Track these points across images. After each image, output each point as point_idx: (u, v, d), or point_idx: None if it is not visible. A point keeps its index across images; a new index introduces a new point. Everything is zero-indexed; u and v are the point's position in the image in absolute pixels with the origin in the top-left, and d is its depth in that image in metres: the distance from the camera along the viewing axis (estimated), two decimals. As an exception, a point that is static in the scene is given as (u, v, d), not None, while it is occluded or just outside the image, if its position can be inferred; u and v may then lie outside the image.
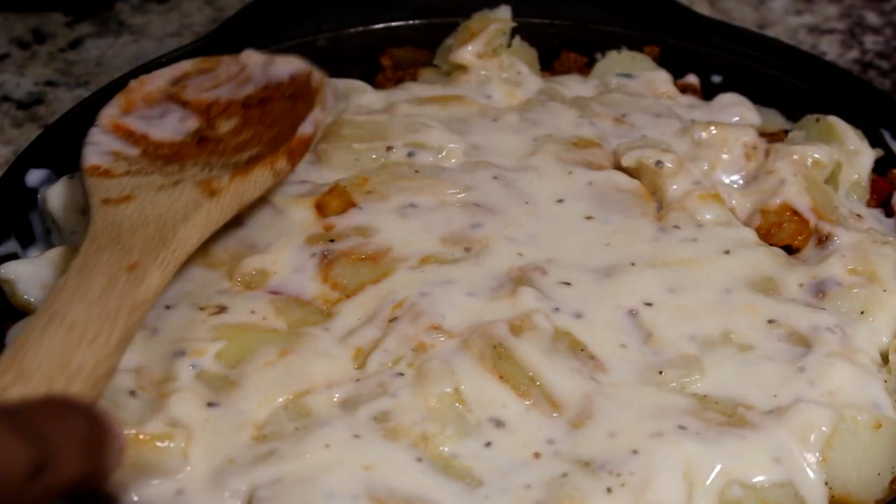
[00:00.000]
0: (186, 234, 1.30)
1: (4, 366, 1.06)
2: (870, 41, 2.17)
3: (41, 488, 0.80)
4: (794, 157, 1.54)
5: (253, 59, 1.58)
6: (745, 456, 1.21)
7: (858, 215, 1.54)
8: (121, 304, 1.17)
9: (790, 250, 1.48)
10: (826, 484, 1.22)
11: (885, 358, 1.34)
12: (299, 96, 1.52)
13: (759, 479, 1.20)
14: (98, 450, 0.86)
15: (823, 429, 1.23)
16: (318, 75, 1.56)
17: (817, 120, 1.64)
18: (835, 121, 1.62)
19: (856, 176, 1.58)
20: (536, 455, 1.22)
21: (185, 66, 1.60)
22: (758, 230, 1.49)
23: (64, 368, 1.07)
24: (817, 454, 1.23)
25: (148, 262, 1.24)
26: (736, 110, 1.68)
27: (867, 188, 1.59)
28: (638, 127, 1.63)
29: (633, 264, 1.42)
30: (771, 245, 1.47)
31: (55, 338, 1.10)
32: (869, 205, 1.58)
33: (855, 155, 1.59)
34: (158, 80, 1.57)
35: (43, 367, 1.07)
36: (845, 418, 1.25)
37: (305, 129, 1.47)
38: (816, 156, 1.54)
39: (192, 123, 1.49)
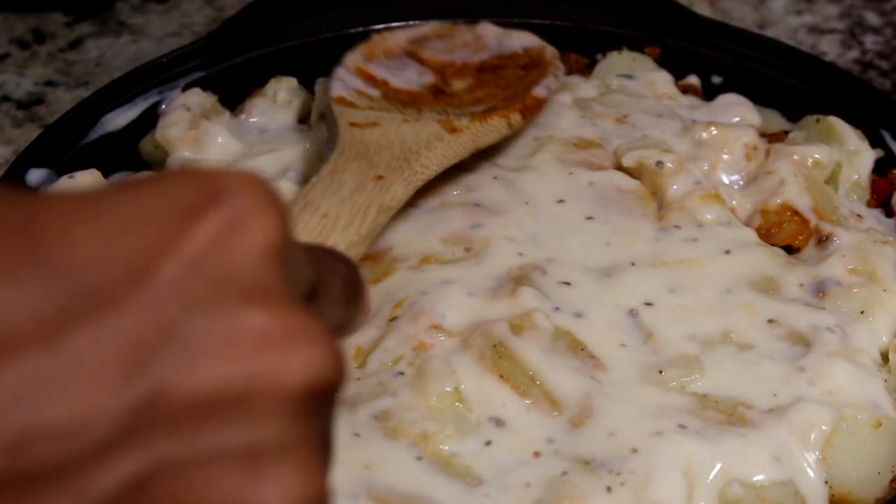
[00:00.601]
0: (428, 159, 1.37)
1: None
2: (870, 41, 2.17)
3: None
4: (795, 157, 1.54)
5: (489, 30, 1.65)
6: (746, 455, 1.21)
7: (859, 215, 1.54)
8: (370, 203, 1.26)
9: (790, 250, 1.49)
10: (826, 483, 1.22)
11: (885, 357, 1.34)
12: (532, 66, 1.59)
13: (759, 477, 1.20)
14: (355, 294, 0.86)
15: (823, 428, 1.23)
16: (551, 49, 1.62)
17: (817, 120, 1.63)
18: (835, 121, 1.62)
19: (856, 176, 1.58)
20: (536, 454, 1.22)
21: (424, 29, 1.67)
22: (758, 230, 1.49)
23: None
24: (817, 453, 1.23)
25: (393, 177, 1.31)
26: (736, 110, 1.68)
27: (867, 188, 1.59)
28: (639, 127, 1.63)
29: (633, 264, 1.42)
30: (771, 245, 1.47)
31: (311, 221, 1.20)
32: (869, 205, 1.58)
33: (855, 155, 1.59)
34: (399, 38, 1.65)
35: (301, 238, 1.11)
36: (845, 417, 1.25)
37: (540, 90, 1.53)
38: (817, 156, 1.54)
39: (429, 78, 1.56)
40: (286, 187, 1.50)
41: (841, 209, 1.53)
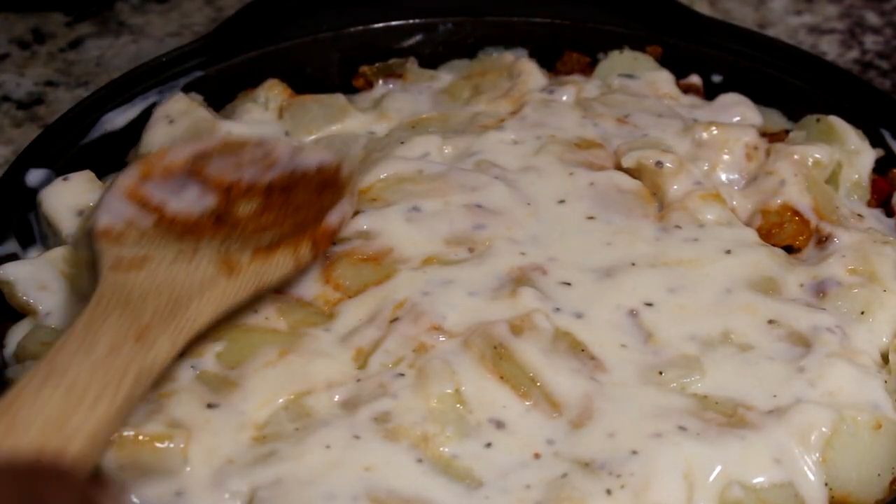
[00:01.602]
0: (200, 308, 1.25)
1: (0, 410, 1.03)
2: (870, 41, 2.16)
3: None
4: (795, 157, 1.53)
5: (280, 147, 1.53)
6: (746, 456, 1.21)
7: (859, 215, 1.54)
8: (128, 366, 1.12)
9: (791, 250, 1.48)
10: (826, 484, 1.22)
11: (885, 358, 1.34)
12: (326, 187, 1.47)
13: (759, 479, 1.20)
14: None
15: (823, 429, 1.23)
16: (347, 168, 1.50)
17: (818, 120, 1.63)
18: (835, 121, 1.62)
19: (856, 176, 1.58)
20: (536, 455, 1.22)
21: (210, 142, 1.54)
22: (759, 230, 1.49)
23: (60, 429, 1.03)
24: (817, 454, 1.23)
25: (158, 330, 1.19)
26: (737, 110, 1.68)
27: (868, 188, 1.59)
28: (640, 127, 1.63)
29: (633, 264, 1.42)
30: (772, 245, 1.47)
31: (53, 396, 1.06)
32: (869, 205, 1.58)
33: (855, 155, 1.59)
34: (181, 154, 1.50)
35: (38, 423, 1.03)
36: (845, 419, 1.25)
37: (332, 219, 1.41)
38: (817, 156, 1.54)
39: (211, 202, 1.43)
40: None
41: (841, 209, 1.53)
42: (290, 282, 1.38)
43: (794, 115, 1.70)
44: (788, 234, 1.50)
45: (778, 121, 1.71)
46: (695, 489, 1.19)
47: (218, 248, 1.34)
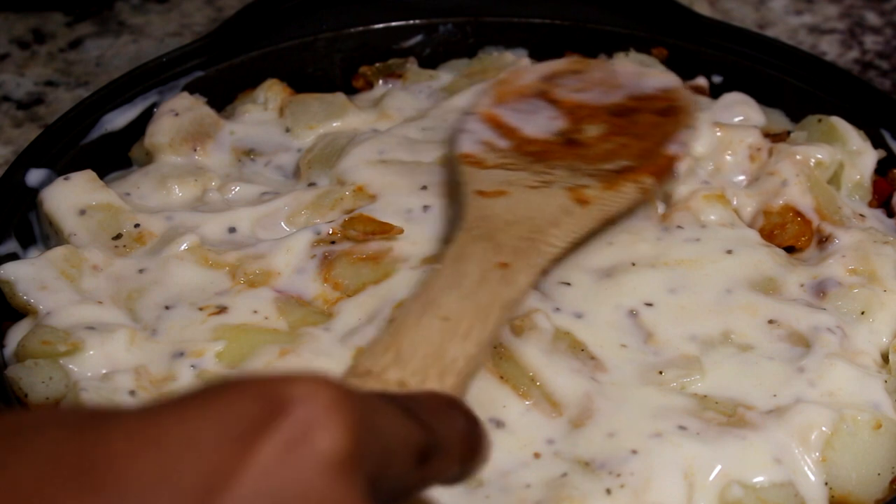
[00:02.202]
0: (555, 238, 1.30)
1: (383, 345, 1.07)
2: (870, 41, 2.16)
3: (421, 477, 0.79)
4: (797, 157, 1.53)
5: (624, 67, 1.57)
6: (746, 456, 1.21)
7: (861, 215, 1.54)
8: (492, 301, 1.16)
9: (793, 250, 1.48)
10: (826, 484, 1.22)
11: (885, 358, 1.34)
12: (669, 112, 1.50)
13: (759, 479, 1.20)
14: (475, 451, 0.85)
15: (823, 429, 1.23)
16: (688, 94, 1.53)
17: (819, 120, 1.63)
18: (837, 121, 1.62)
19: (858, 176, 1.58)
20: (536, 455, 1.22)
21: (557, 65, 1.60)
22: (761, 231, 1.49)
23: (439, 359, 1.07)
24: (817, 454, 1.23)
25: (519, 264, 1.23)
26: (740, 110, 1.67)
27: (869, 188, 1.58)
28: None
29: (633, 264, 1.41)
30: (775, 246, 1.47)
31: (431, 326, 1.11)
32: (870, 205, 1.58)
33: (857, 155, 1.59)
34: (531, 75, 1.58)
35: (419, 353, 1.07)
36: (845, 418, 1.25)
37: (675, 148, 1.44)
38: (819, 156, 1.54)
39: (561, 123, 1.48)
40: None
41: (843, 209, 1.53)
42: (627, 215, 1.44)
43: (794, 114, 1.69)
44: (791, 234, 1.50)
45: (780, 120, 1.70)
46: (694, 488, 1.19)
47: (569, 174, 1.39)
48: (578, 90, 1.54)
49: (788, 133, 1.65)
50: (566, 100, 1.52)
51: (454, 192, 1.45)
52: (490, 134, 1.46)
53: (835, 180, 1.57)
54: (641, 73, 1.56)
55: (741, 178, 1.57)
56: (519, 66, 1.63)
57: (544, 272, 1.29)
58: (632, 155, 1.42)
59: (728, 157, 1.57)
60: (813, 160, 1.54)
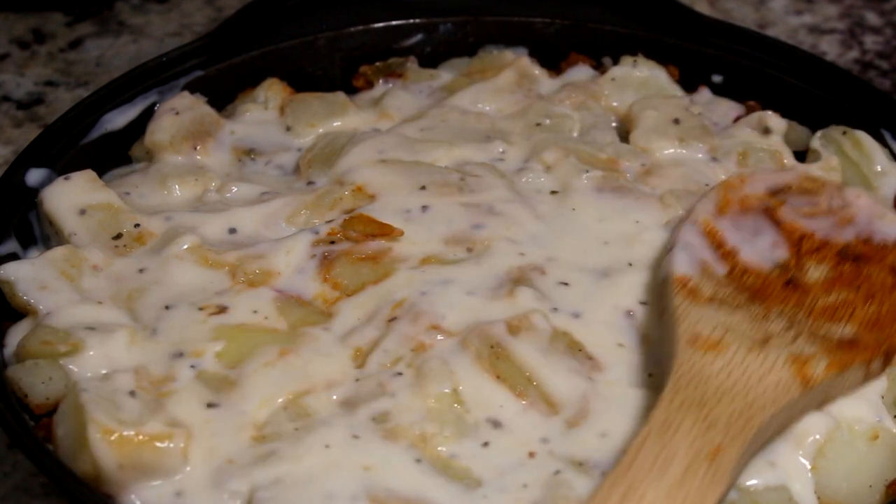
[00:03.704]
0: (769, 421, 1.17)
1: None
2: (870, 41, 2.17)
3: None
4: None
5: (860, 200, 1.42)
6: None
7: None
8: (700, 497, 1.08)
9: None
10: (815, 493, 1.21)
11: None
12: None
13: (753, 482, 1.20)
14: None
15: (817, 436, 1.23)
16: None
17: (844, 132, 1.61)
18: (863, 137, 1.60)
19: (881, 199, 1.54)
20: (531, 454, 1.22)
21: (788, 177, 1.46)
22: None
23: None
24: (811, 460, 1.22)
25: (731, 449, 1.12)
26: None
27: (892, 209, 1.55)
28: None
29: (630, 265, 1.41)
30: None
31: None
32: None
33: (882, 176, 1.57)
34: (759, 185, 1.44)
35: None
36: (842, 427, 1.24)
37: None
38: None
39: (782, 254, 1.36)
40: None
41: None
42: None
43: (794, 115, 1.69)
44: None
45: (801, 134, 1.67)
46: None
47: (789, 329, 1.26)
48: (807, 215, 1.40)
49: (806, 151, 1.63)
50: (792, 224, 1.39)
51: (657, 313, 1.34)
52: (708, 253, 1.34)
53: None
54: (880, 213, 1.40)
55: None
56: (747, 172, 1.48)
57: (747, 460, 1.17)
58: (859, 321, 1.28)
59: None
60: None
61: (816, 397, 1.22)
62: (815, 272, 1.34)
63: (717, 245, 1.36)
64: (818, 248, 1.37)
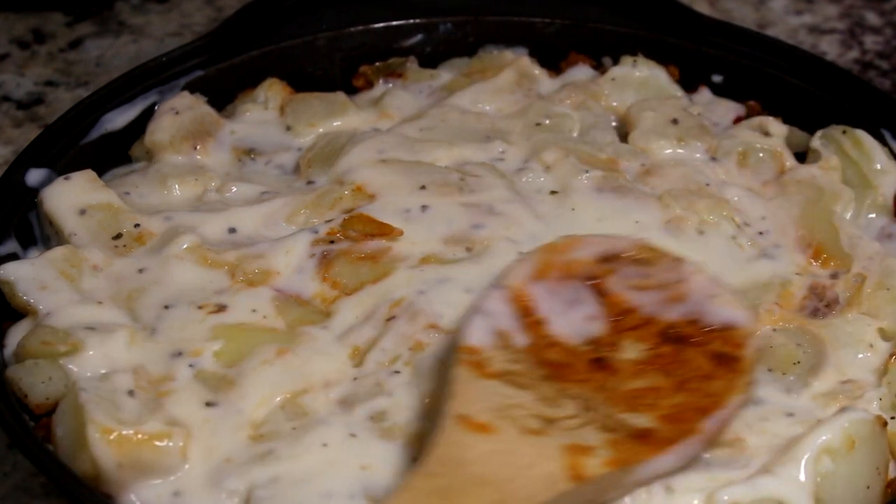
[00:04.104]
0: None
1: None
2: (870, 41, 2.17)
3: None
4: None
5: (697, 277, 1.32)
6: (731, 479, 1.21)
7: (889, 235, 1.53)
8: None
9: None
10: None
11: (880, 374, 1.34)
12: (724, 363, 1.23)
13: (746, 495, 1.19)
14: None
15: (808, 454, 1.22)
16: (755, 344, 1.26)
17: (844, 132, 1.61)
18: (863, 136, 1.60)
19: (881, 198, 1.56)
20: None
21: (622, 245, 1.36)
22: None
23: None
24: (808, 477, 1.21)
25: None
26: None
27: (892, 208, 1.56)
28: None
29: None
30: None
31: None
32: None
33: (882, 175, 1.57)
34: (589, 251, 1.34)
35: None
36: (819, 455, 1.22)
37: (710, 425, 1.18)
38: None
39: (598, 328, 1.26)
40: None
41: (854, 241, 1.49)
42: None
43: (794, 115, 1.69)
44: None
45: (801, 136, 1.67)
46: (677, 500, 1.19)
47: (578, 415, 1.17)
48: (636, 287, 1.31)
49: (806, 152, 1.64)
50: (617, 297, 1.30)
51: (441, 377, 1.26)
52: (510, 322, 1.25)
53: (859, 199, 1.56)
54: (714, 294, 1.30)
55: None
56: (577, 237, 1.37)
57: None
58: (660, 412, 1.18)
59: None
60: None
61: (599, 490, 1.14)
62: (630, 352, 1.24)
63: (525, 313, 1.27)
64: (639, 326, 1.27)
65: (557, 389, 1.19)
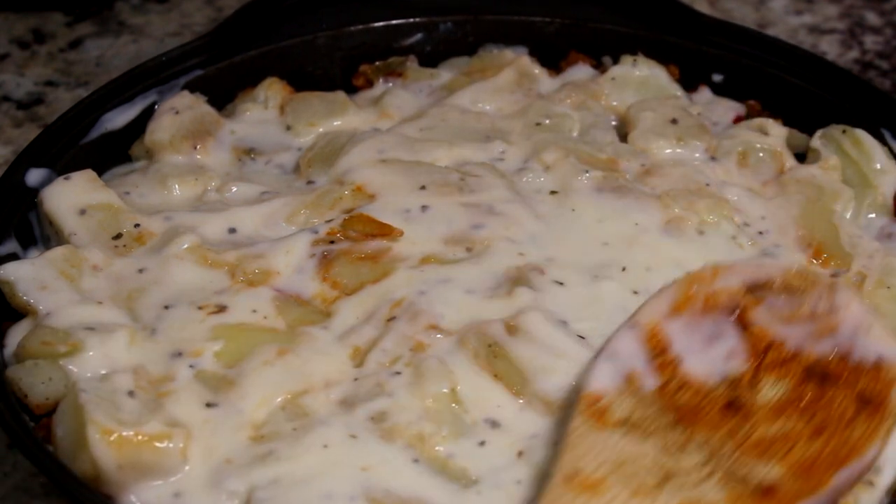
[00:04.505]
0: None
1: None
2: (870, 41, 2.17)
3: None
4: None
5: (850, 308, 1.24)
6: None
7: (889, 235, 1.52)
8: None
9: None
10: None
11: None
12: (871, 402, 1.15)
13: None
14: None
15: None
16: None
17: (843, 131, 1.61)
18: (863, 135, 1.60)
19: (881, 198, 1.56)
20: (520, 454, 1.22)
21: (772, 272, 1.28)
22: None
23: None
24: None
25: None
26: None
27: (892, 208, 1.56)
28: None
29: (624, 269, 1.42)
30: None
31: None
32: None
33: (882, 174, 1.57)
34: (735, 279, 1.27)
35: None
36: None
37: (842, 478, 1.10)
38: None
39: (738, 366, 1.20)
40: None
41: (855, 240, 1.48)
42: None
43: (794, 115, 1.69)
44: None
45: (800, 138, 1.67)
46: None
47: (699, 466, 1.10)
48: (783, 320, 1.23)
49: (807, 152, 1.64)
50: (761, 330, 1.23)
51: (560, 429, 1.20)
52: (641, 362, 1.19)
53: (858, 201, 1.55)
54: (867, 326, 1.22)
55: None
56: (724, 265, 1.30)
57: None
58: (791, 462, 1.11)
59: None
60: None
61: None
62: (770, 391, 1.18)
63: (659, 352, 1.21)
64: (784, 362, 1.21)
65: (685, 436, 1.13)
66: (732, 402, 1.17)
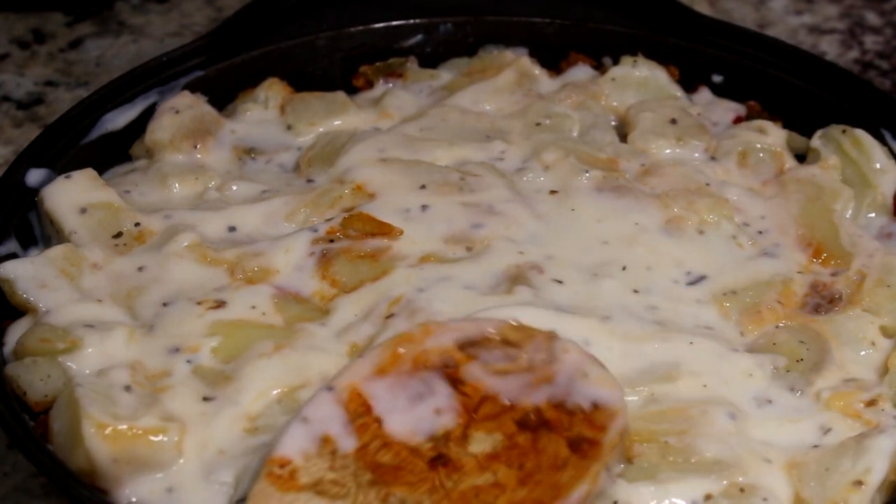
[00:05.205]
0: None
1: None
2: (870, 41, 2.17)
3: None
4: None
5: (568, 355, 1.25)
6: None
7: (888, 234, 1.53)
8: None
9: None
10: None
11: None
12: (581, 447, 1.17)
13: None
14: None
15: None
16: (619, 427, 1.19)
17: (843, 131, 1.61)
18: (862, 135, 1.60)
19: (881, 197, 1.56)
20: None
21: (487, 328, 1.28)
22: None
23: None
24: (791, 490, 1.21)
25: None
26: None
27: (891, 207, 1.56)
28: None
29: (624, 268, 1.42)
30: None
31: None
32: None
33: (881, 174, 1.57)
34: (447, 337, 1.26)
35: None
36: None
37: None
38: None
39: (446, 422, 1.19)
40: None
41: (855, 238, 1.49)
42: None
43: (794, 115, 1.69)
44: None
45: (800, 140, 1.66)
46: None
47: None
48: (497, 372, 1.23)
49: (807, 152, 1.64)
50: (474, 385, 1.22)
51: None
52: (338, 426, 1.17)
53: (858, 201, 1.55)
54: (584, 373, 1.23)
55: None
56: (438, 322, 1.30)
57: None
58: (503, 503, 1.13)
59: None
60: None
61: None
62: (481, 444, 1.17)
63: (359, 413, 1.19)
64: (498, 415, 1.20)
65: (382, 495, 1.13)
66: (439, 457, 1.16)
